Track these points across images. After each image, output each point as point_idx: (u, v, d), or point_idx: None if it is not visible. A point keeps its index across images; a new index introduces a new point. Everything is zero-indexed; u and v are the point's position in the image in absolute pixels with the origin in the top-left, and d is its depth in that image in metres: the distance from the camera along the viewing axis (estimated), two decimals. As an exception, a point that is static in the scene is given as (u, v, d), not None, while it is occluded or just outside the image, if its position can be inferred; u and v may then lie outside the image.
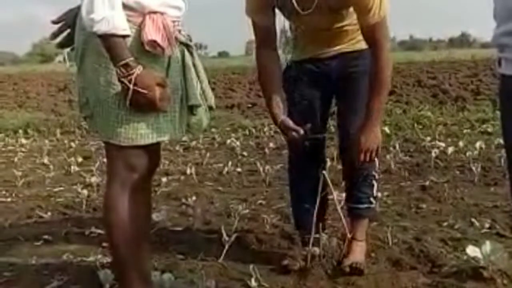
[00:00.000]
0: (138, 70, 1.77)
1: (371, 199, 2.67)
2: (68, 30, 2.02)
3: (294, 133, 2.36)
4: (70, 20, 1.99)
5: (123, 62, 1.76)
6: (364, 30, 2.33)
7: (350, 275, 2.49)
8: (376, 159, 2.58)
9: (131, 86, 1.76)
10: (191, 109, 2.03)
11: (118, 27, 1.75)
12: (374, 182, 2.67)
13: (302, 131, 2.35)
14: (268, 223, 3.33)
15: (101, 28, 1.74)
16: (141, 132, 1.88)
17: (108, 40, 1.76)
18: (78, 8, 1.92)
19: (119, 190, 1.94)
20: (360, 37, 2.43)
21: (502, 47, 1.44)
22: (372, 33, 2.31)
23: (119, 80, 1.79)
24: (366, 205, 2.67)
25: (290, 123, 2.37)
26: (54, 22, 2.04)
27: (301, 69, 2.60)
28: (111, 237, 2.04)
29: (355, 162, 2.50)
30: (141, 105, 1.81)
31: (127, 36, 1.80)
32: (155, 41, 1.83)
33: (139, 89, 1.77)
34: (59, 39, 2.05)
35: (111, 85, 1.84)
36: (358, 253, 2.61)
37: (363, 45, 2.47)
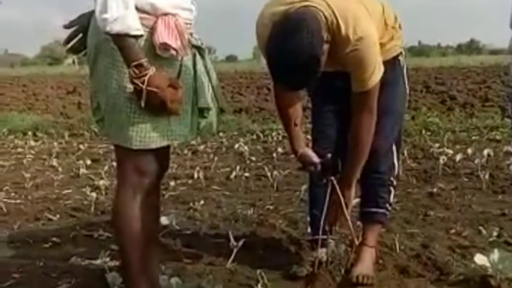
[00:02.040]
0: (151, 71, 1.77)
1: (387, 205, 2.66)
2: (80, 35, 2.04)
3: (312, 168, 2.43)
4: (82, 25, 2.01)
5: (137, 62, 1.76)
6: (353, 96, 2.32)
7: (357, 285, 2.49)
8: (396, 164, 2.63)
9: (144, 87, 1.76)
10: (202, 112, 2.03)
11: (132, 27, 1.76)
12: (392, 189, 2.66)
13: (319, 167, 2.42)
14: (276, 228, 3.33)
15: (114, 27, 1.74)
16: (152, 135, 1.88)
17: (121, 40, 1.76)
18: (90, 13, 1.94)
19: (129, 194, 1.95)
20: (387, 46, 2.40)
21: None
22: (358, 102, 2.31)
23: (132, 81, 1.78)
24: (382, 210, 2.65)
25: (308, 157, 2.43)
26: (66, 27, 2.05)
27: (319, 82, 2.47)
28: (119, 241, 2.06)
29: (373, 165, 2.51)
30: (153, 106, 1.81)
31: (141, 36, 1.80)
32: (166, 44, 1.83)
33: (152, 89, 1.76)
34: (71, 44, 2.07)
35: (123, 88, 1.84)
36: (367, 262, 2.58)
37: (386, 55, 2.40)
